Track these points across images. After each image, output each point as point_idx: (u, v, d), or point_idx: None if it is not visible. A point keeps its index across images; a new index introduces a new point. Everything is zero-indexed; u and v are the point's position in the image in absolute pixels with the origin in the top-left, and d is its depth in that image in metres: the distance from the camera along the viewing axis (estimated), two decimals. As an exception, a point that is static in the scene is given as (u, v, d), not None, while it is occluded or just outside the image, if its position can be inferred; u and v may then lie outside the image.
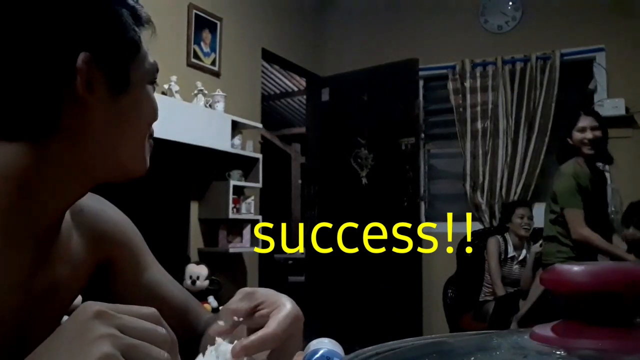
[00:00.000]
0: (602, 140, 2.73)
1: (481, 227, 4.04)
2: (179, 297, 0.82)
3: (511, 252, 3.43)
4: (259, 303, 0.62)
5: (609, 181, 3.74)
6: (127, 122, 0.63)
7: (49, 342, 0.44)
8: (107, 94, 0.60)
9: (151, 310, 0.46)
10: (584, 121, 2.71)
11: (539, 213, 3.98)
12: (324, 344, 0.76)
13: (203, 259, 3.25)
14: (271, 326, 0.59)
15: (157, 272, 0.81)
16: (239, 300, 0.62)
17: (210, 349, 0.57)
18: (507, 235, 3.50)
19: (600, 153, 2.77)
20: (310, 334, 0.71)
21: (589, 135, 2.68)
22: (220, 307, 0.61)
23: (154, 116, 0.67)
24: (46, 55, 0.56)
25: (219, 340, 0.57)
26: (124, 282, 0.77)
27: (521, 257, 3.41)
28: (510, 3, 4.17)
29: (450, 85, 4.30)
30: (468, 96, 4.22)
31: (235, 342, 0.56)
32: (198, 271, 3.04)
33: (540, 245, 3.08)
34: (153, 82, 0.67)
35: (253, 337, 0.58)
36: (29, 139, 0.57)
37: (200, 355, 0.56)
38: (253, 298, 0.62)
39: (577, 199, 2.68)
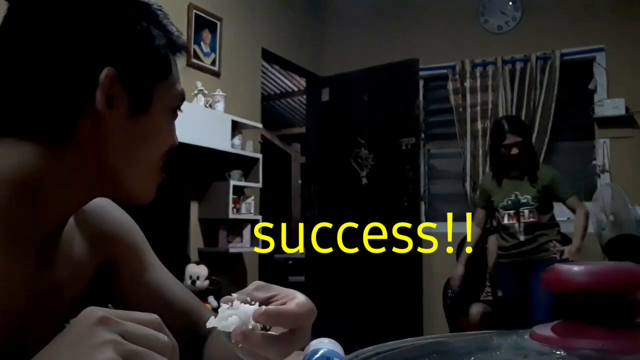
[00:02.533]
0: (526, 151, 2.98)
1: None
2: (182, 297, 0.82)
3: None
4: (273, 295, 0.62)
5: (608, 181, 3.75)
6: (142, 144, 0.63)
7: (51, 347, 0.44)
8: (127, 112, 0.60)
9: (153, 316, 0.46)
10: (509, 139, 2.94)
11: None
12: (324, 344, 0.76)
13: (203, 259, 3.25)
14: (292, 305, 0.59)
15: (160, 272, 0.81)
16: (254, 290, 0.62)
17: (224, 306, 0.57)
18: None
19: (527, 163, 3.00)
20: (311, 333, 0.71)
21: (513, 152, 2.93)
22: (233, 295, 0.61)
23: (171, 143, 0.66)
24: (70, 64, 0.58)
25: (236, 303, 0.57)
26: (127, 282, 0.77)
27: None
28: (510, 3, 4.17)
29: (450, 85, 4.30)
30: (468, 96, 4.22)
31: (256, 308, 0.57)
32: (198, 271, 3.04)
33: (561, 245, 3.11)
34: (176, 109, 0.66)
35: (277, 307, 0.59)
36: (43, 141, 0.58)
37: (225, 306, 0.57)
38: (268, 289, 0.62)
39: (480, 200, 3.18)
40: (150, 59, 0.62)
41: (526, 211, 3.00)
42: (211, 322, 0.57)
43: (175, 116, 0.67)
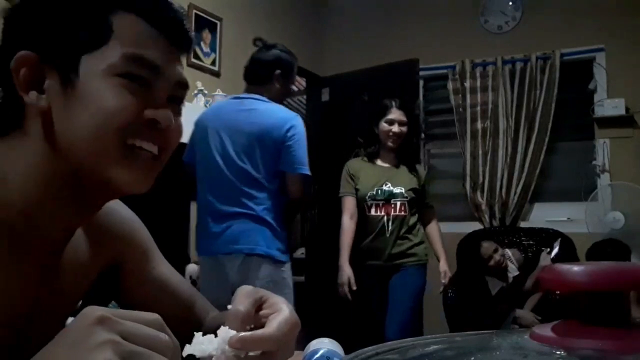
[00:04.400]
0: (409, 138, 2.73)
1: (481, 227, 4.04)
2: (187, 293, 0.83)
3: (497, 287, 3.24)
4: (262, 302, 0.62)
5: (608, 181, 3.75)
6: (80, 117, 0.59)
7: (50, 347, 0.43)
8: (60, 89, 0.59)
9: (154, 316, 0.45)
10: (394, 114, 2.67)
11: (539, 213, 4.01)
12: (324, 344, 0.76)
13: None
14: (271, 327, 0.58)
15: (166, 269, 0.82)
16: (245, 297, 0.61)
17: (198, 333, 0.56)
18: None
19: (406, 151, 2.76)
20: (311, 334, 0.71)
21: (395, 128, 2.66)
22: (229, 307, 0.60)
23: (119, 115, 0.59)
24: None
25: (222, 327, 0.57)
26: (135, 280, 0.78)
27: (513, 275, 3.29)
28: (510, 3, 4.17)
29: (450, 85, 4.30)
30: (468, 96, 4.22)
31: (234, 332, 0.56)
32: (198, 271, 3.04)
33: (549, 253, 3.06)
34: (126, 75, 0.60)
35: (253, 333, 0.57)
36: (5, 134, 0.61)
37: (200, 334, 0.56)
38: (257, 297, 0.62)
39: (348, 187, 2.79)
40: (71, 32, 0.60)
41: (398, 203, 2.68)
42: (187, 350, 0.55)
43: (128, 83, 0.60)
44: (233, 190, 2.20)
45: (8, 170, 0.60)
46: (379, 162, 2.77)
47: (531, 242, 3.66)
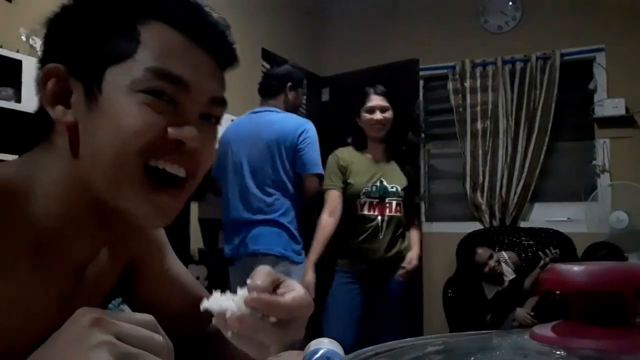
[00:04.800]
0: (396, 124, 2.49)
1: (481, 227, 4.04)
2: (197, 289, 0.83)
3: (492, 292, 3.25)
4: (280, 283, 0.60)
5: (608, 181, 3.75)
6: (100, 134, 0.55)
7: (44, 349, 0.43)
8: (85, 103, 0.56)
9: (148, 317, 0.45)
10: (373, 100, 2.45)
11: (539, 213, 4.01)
12: (324, 344, 0.76)
13: (203, 259, 3.25)
14: (287, 298, 0.56)
15: (177, 264, 0.83)
16: (263, 275, 0.58)
17: (217, 292, 0.57)
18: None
19: (394, 138, 2.51)
20: (311, 334, 0.71)
21: (377, 116, 2.43)
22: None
23: (141, 135, 0.54)
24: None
25: (240, 289, 0.56)
26: (151, 274, 0.77)
27: (509, 278, 3.29)
28: (510, 3, 4.17)
29: (450, 85, 4.29)
30: (468, 96, 4.22)
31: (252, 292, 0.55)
32: (198, 271, 3.04)
33: (549, 253, 3.08)
34: (150, 91, 0.55)
35: (270, 296, 0.56)
36: (30, 149, 0.59)
37: (218, 292, 0.56)
38: (275, 277, 0.59)
39: (335, 180, 2.47)
40: (97, 42, 0.56)
41: (394, 202, 2.47)
42: (204, 304, 0.55)
43: (152, 101, 0.55)
44: (254, 198, 2.41)
45: (35, 184, 0.57)
46: (368, 155, 2.52)
47: (531, 242, 3.66)
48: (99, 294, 0.68)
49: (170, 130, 0.55)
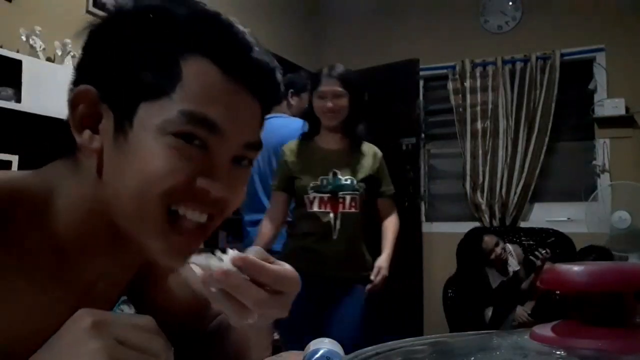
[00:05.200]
0: (351, 112, 2.18)
1: (481, 227, 4.04)
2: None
3: (497, 281, 3.28)
4: (271, 261, 0.58)
5: (609, 181, 3.75)
6: (124, 174, 0.53)
7: (44, 352, 0.43)
8: (113, 134, 0.54)
9: (148, 319, 0.45)
10: (325, 85, 2.14)
11: (539, 213, 4.01)
12: (324, 344, 0.76)
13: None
14: (274, 266, 0.55)
15: (185, 267, 0.82)
16: (255, 253, 0.56)
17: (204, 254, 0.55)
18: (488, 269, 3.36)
19: (355, 129, 2.22)
20: (310, 333, 0.70)
21: (328, 103, 2.13)
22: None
23: (165, 181, 0.52)
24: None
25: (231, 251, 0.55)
26: (160, 279, 0.76)
27: (514, 269, 3.31)
28: (510, 3, 4.17)
29: (450, 85, 4.30)
30: (468, 96, 4.22)
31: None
32: (198, 271, 3.05)
33: (546, 253, 3.08)
34: (181, 135, 0.52)
35: (254, 258, 0.53)
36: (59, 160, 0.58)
37: (208, 252, 0.55)
38: (265, 256, 0.57)
39: (279, 180, 2.22)
40: (136, 72, 0.52)
41: (347, 198, 2.13)
42: (192, 259, 0.54)
43: (181, 146, 0.52)
44: (258, 200, 2.57)
45: (56, 197, 0.56)
46: (322, 144, 2.20)
47: (531, 242, 3.66)
48: (108, 301, 0.67)
49: (199, 180, 0.53)
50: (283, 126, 2.45)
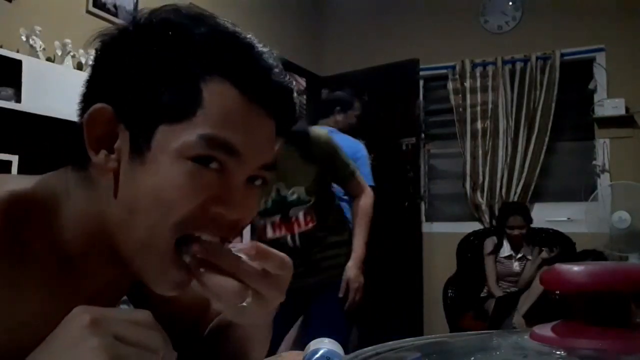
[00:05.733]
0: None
1: (481, 227, 4.04)
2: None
3: (507, 252, 3.40)
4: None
5: (609, 181, 3.75)
6: (137, 199, 0.51)
7: (41, 351, 0.43)
8: (128, 157, 0.52)
9: (145, 313, 0.45)
10: None
11: (539, 213, 4.01)
12: (324, 344, 0.76)
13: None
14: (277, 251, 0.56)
15: None
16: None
17: None
18: (504, 237, 3.46)
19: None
20: (310, 333, 0.70)
21: None
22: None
23: (180, 209, 0.51)
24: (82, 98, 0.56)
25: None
26: None
27: (519, 255, 3.38)
28: (510, 3, 4.17)
29: (450, 85, 4.30)
30: (468, 96, 4.22)
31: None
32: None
33: (552, 251, 3.10)
34: (199, 159, 0.50)
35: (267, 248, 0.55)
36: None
37: None
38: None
39: None
40: (155, 93, 0.51)
41: (300, 214, 1.89)
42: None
43: (198, 171, 0.51)
44: None
45: (63, 207, 0.55)
46: None
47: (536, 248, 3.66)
48: (109, 303, 0.67)
49: (215, 208, 0.52)
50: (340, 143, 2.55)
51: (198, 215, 0.52)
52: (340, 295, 1.96)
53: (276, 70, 0.55)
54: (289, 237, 1.89)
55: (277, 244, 1.84)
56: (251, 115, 0.53)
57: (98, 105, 0.52)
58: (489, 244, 3.46)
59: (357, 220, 2.05)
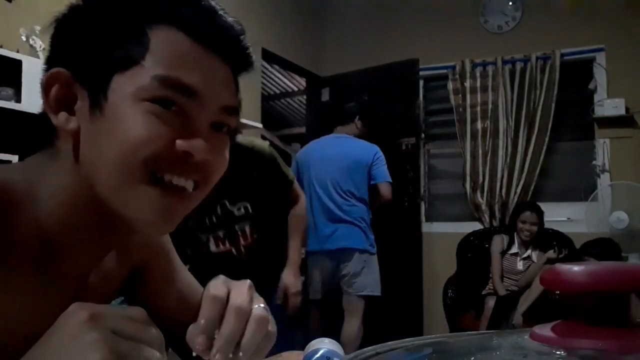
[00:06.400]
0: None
1: (481, 227, 4.04)
2: (199, 292, 0.83)
3: (514, 249, 3.41)
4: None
5: (608, 181, 3.75)
6: (102, 143, 0.53)
7: (40, 347, 0.43)
8: (89, 111, 0.54)
9: (139, 310, 0.46)
10: None
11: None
12: (324, 344, 0.76)
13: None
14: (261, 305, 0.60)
15: (182, 269, 0.82)
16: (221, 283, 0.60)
17: None
18: (515, 235, 3.46)
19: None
20: (311, 333, 0.70)
21: None
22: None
23: (146, 146, 0.52)
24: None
25: None
26: (156, 280, 0.77)
27: (525, 255, 3.38)
28: (510, 3, 4.17)
29: (450, 85, 4.30)
30: (468, 96, 4.22)
31: None
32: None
33: (560, 252, 3.10)
34: (157, 100, 0.52)
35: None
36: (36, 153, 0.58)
37: None
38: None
39: None
40: (105, 47, 0.53)
41: (247, 228, 1.83)
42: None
43: (158, 111, 0.52)
44: (337, 206, 3.03)
45: (39, 189, 0.56)
46: None
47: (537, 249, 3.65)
48: (102, 298, 0.68)
49: (178, 142, 0.53)
50: (359, 148, 3.14)
51: (165, 154, 0.53)
52: (278, 302, 1.95)
53: (220, 12, 0.57)
54: (233, 250, 1.83)
55: (222, 256, 1.80)
56: (202, 57, 0.55)
57: (54, 70, 0.54)
58: (498, 241, 3.45)
59: (292, 226, 2.04)
